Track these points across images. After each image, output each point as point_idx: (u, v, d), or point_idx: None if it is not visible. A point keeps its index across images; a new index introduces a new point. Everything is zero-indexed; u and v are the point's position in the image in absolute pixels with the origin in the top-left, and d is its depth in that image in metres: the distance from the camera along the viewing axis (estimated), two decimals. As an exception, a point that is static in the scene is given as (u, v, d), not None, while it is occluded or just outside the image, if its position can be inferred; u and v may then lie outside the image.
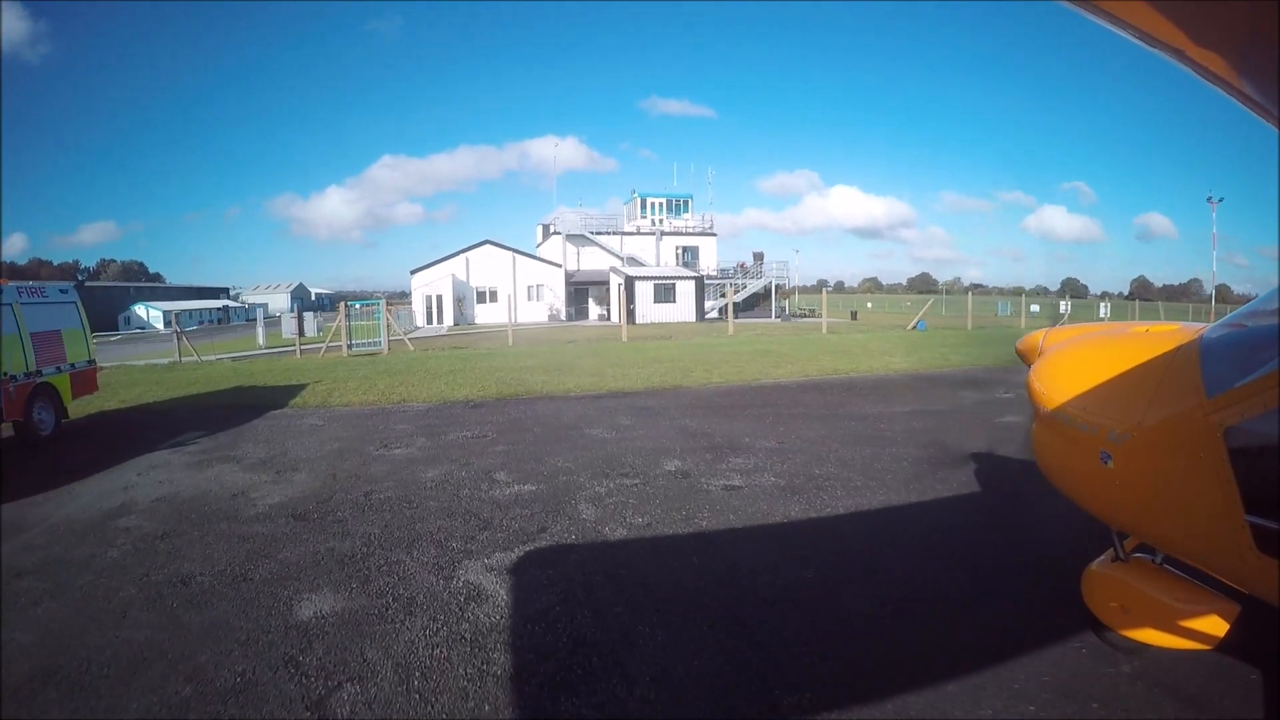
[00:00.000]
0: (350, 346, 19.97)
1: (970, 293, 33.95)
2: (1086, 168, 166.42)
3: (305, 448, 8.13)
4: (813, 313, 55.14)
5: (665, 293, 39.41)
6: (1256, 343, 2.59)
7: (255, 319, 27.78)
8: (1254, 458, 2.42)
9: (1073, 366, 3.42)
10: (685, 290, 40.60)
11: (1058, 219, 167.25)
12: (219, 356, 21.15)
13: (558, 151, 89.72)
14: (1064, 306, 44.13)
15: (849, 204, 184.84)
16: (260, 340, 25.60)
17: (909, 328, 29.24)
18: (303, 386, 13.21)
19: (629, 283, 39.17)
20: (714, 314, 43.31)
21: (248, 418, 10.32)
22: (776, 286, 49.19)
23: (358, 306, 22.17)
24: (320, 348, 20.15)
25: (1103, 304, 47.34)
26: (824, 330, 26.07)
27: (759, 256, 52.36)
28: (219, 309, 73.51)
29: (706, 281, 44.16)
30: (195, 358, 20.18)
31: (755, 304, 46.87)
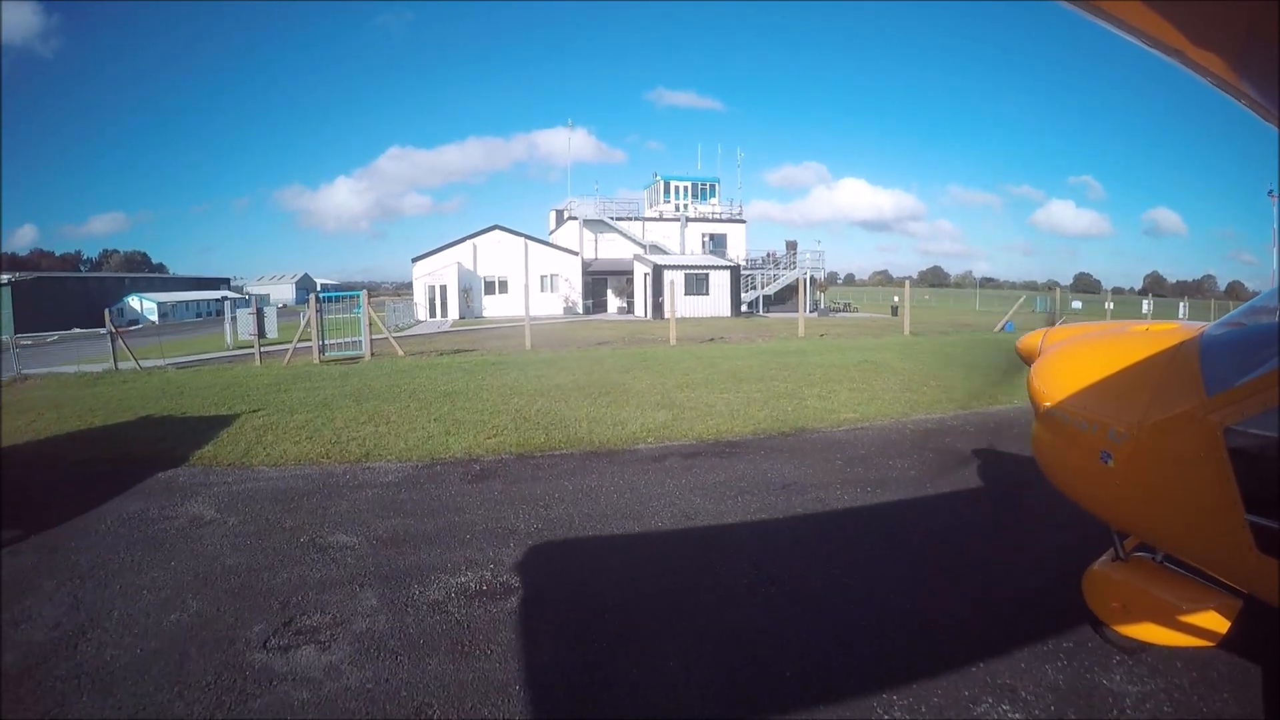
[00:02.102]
0: (323, 350, 15.59)
1: (1057, 290, 29.26)
2: (1094, 162, 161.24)
3: (132, 613, 3.77)
4: (847, 306, 50.81)
5: (697, 284, 34.91)
6: (1256, 341, 2.54)
7: (223, 314, 23.48)
8: (1254, 457, 2.34)
9: (1073, 365, 3.34)
10: (719, 281, 36.06)
11: (1066, 213, 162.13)
12: (166, 362, 16.87)
13: (569, 139, 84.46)
14: (1146, 305, 39.45)
15: (857, 197, 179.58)
16: (228, 339, 21.33)
17: (997, 329, 24.67)
18: (232, 419, 8.88)
19: (657, 272, 34.66)
20: (743, 307, 38.86)
21: (109, 492, 6.02)
22: (811, 278, 44.81)
23: (357, 296, 17.56)
24: (286, 350, 15.78)
25: (1181, 303, 42.51)
26: (906, 332, 21.49)
27: (792, 246, 47.96)
28: (218, 300, 69.79)
29: (742, 272, 39.60)
30: (134, 364, 15.92)
31: (787, 297, 42.62)
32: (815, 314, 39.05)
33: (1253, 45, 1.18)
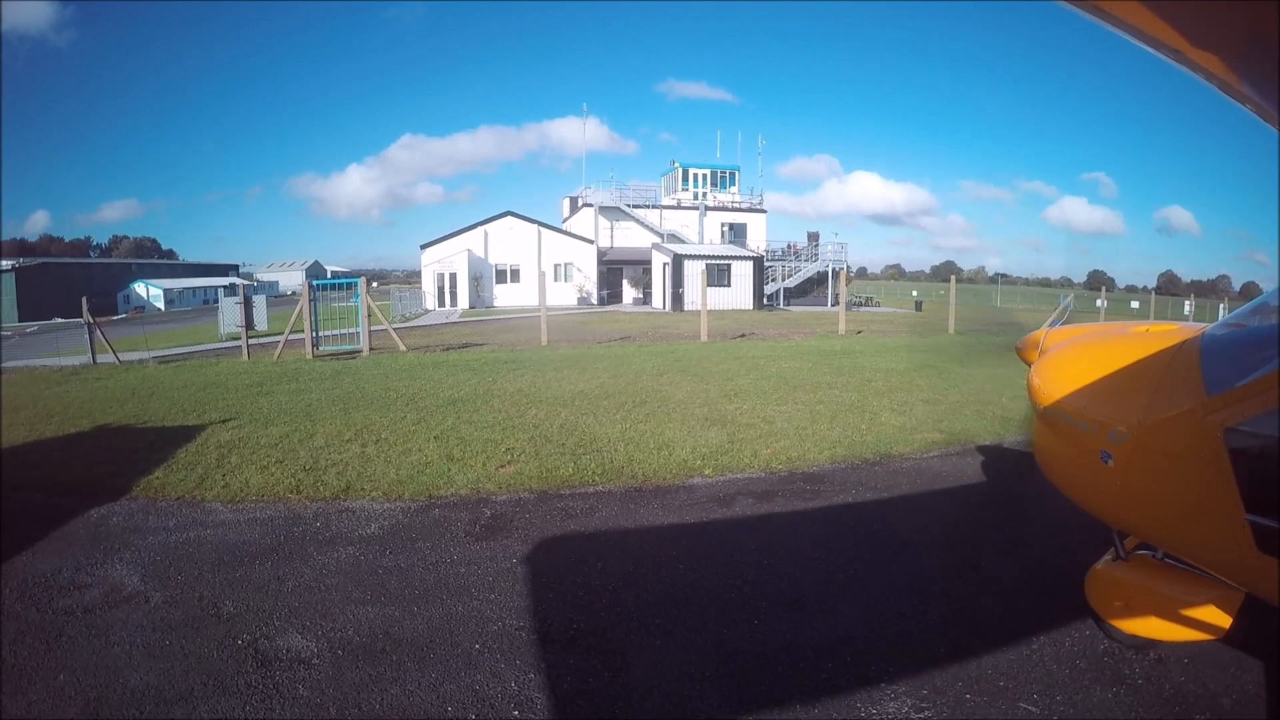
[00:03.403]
0: (316, 343, 14.15)
1: (1103, 290, 27.41)
2: (1105, 159, 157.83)
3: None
4: (869, 301, 49.10)
5: (719, 275, 33.16)
6: (1257, 342, 2.54)
7: (217, 303, 22.14)
8: (1254, 457, 2.33)
9: (1074, 365, 3.34)
10: (741, 272, 34.35)
11: (1079, 210, 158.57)
12: (150, 355, 15.49)
13: (583, 126, 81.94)
14: (1188, 306, 37.36)
15: (869, 190, 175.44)
16: (221, 330, 19.95)
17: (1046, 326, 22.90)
18: (197, 432, 7.46)
19: (677, 262, 33.01)
20: (764, 300, 37.18)
21: (23, 539, 4.72)
22: (834, 271, 43.04)
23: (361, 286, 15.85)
24: (278, 344, 14.34)
25: (1221, 305, 40.36)
26: (951, 330, 19.82)
27: (814, 237, 46.10)
28: (226, 287, 68.89)
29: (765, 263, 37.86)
30: (113, 359, 14.55)
31: (808, 290, 40.95)
32: (835, 308, 37.37)
33: (1253, 45, 1.16)
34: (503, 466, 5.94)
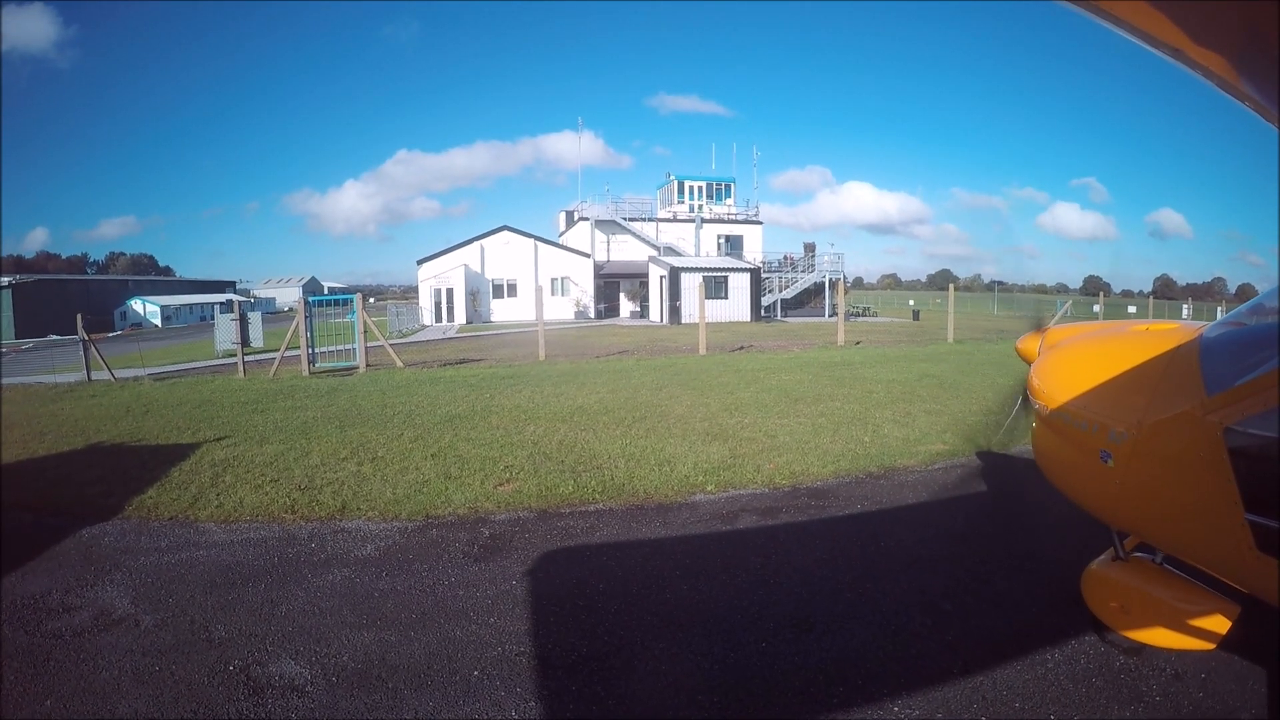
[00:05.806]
0: (313, 360, 14.05)
1: (1100, 295, 27.46)
2: (1096, 164, 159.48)
3: None
4: (866, 311, 49.16)
5: (716, 287, 33.16)
6: (1257, 341, 2.51)
7: (213, 320, 22.03)
8: (1254, 456, 2.30)
9: (1073, 365, 3.32)
10: (738, 284, 34.37)
11: (1071, 216, 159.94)
12: (146, 372, 15.38)
13: (579, 141, 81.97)
14: (1185, 311, 37.36)
15: (862, 200, 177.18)
16: (217, 347, 19.83)
17: (1043, 333, 22.87)
18: (192, 451, 7.36)
19: (674, 274, 33.03)
20: (761, 311, 37.23)
21: (13, 559, 4.62)
22: (831, 282, 43.15)
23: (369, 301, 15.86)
24: (273, 360, 14.24)
25: (1219, 308, 40.40)
26: (950, 338, 19.79)
27: (810, 248, 46.26)
28: (223, 303, 68.70)
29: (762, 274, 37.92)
30: (108, 376, 14.42)
31: (805, 301, 41.05)
32: (833, 319, 37.40)
33: (1253, 45, 1.15)
34: (501, 485, 5.85)
